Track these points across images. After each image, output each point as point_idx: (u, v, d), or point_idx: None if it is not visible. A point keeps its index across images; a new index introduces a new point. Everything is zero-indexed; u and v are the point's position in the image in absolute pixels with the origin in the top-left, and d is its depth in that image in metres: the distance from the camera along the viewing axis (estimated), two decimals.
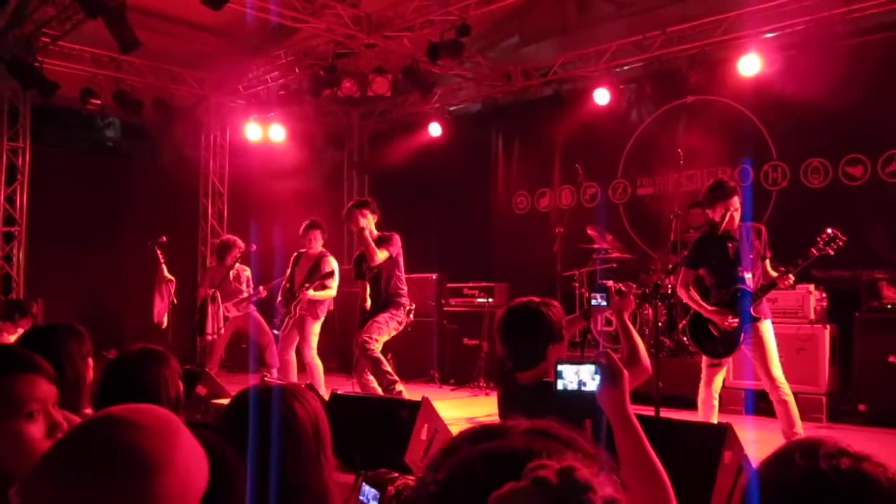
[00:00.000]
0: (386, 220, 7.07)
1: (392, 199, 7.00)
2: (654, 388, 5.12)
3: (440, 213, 11.22)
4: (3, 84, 9.63)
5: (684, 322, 5.79)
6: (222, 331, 8.14)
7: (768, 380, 4.94)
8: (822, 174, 8.25)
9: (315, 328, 7.37)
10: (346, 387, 6.75)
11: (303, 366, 7.45)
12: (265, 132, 11.55)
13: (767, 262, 5.15)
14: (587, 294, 8.92)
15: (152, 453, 1.09)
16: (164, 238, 8.68)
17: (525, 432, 0.85)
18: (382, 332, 6.41)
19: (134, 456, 1.08)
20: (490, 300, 9.60)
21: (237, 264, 8.33)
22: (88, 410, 2.55)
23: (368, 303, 6.60)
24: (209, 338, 8.11)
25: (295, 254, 7.64)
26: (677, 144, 8.53)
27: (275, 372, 7.73)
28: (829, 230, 4.91)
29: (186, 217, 11.61)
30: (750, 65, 8.35)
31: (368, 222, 6.66)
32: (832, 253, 4.92)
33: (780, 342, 5.25)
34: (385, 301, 6.58)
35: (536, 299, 3.07)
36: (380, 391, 6.25)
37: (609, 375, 1.90)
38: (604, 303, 3.30)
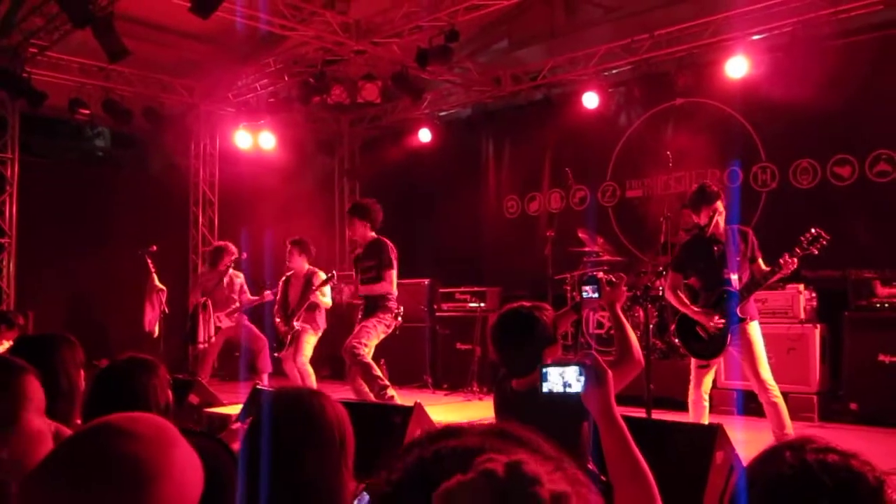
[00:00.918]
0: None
1: (383, 205, 6.98)
2: (645, 389, 5.14)
3: (431, 219, 11.24)
4: None
5: (674, 324, 5.82)
6: (213, 339, 8.13)
7: (757, 382, 4.96)
8: (811, 175, 8.30)
9: (311, 339, 7.41)
10: (339, 394, 6.75)
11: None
12: (255, 140, 11.54)
13: (760, 262, 5.16)
14: (577, 298, 8.95)
15: (148, 462, 1.09)
16: (155, 247, 8.66)
17: (481, 432, 0.85)
18: (371, 337, 6.41)
19: (130, 465, 1.08)
20: (482, 304, 9.61)
21: (230, 270, 8.33)
22: (79, 421, 2.54)
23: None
24: (201, 346, 8.10)
25: (284, 277, 7.68)
26: (666, 147, 8.56)
27: (266, 378, 7.73)
28: (812, 230, 4.94)
29: (177, 226, 11.58)
30: (738, 67, 8.40)
31: (363, 230, 6.69)
32: (816, 252, 4.93)
33: (771, 342, 5.28)
34: (373, 305, 6.60)
35: (527, 304, 3.01)
36: (372, 397, 6.25)
37: (594, 376, 1.90)
38: (595, 294, 3.25)
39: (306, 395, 1.81)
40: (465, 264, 10.90)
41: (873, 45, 7.86)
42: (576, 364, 1.92)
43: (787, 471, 1.14)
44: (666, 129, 9.42)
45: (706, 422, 4.99)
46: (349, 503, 1.75)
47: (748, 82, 8.44)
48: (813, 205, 8.09)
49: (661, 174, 8.99)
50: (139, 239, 9.04)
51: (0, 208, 10.00)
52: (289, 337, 7.31)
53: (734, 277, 5.08)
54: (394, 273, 6.55)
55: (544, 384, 1.92)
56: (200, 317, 8.06)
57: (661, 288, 7.68)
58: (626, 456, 1.80)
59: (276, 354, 7.48)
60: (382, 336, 6.56)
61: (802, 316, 7.06)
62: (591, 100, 9.64)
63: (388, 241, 6.68)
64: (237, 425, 3.18)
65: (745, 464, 1.27)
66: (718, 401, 6.48)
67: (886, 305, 6.79)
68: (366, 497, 2.22)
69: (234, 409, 6.17)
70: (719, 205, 5.11)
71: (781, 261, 4.87)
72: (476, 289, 9.78)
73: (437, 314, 9.84)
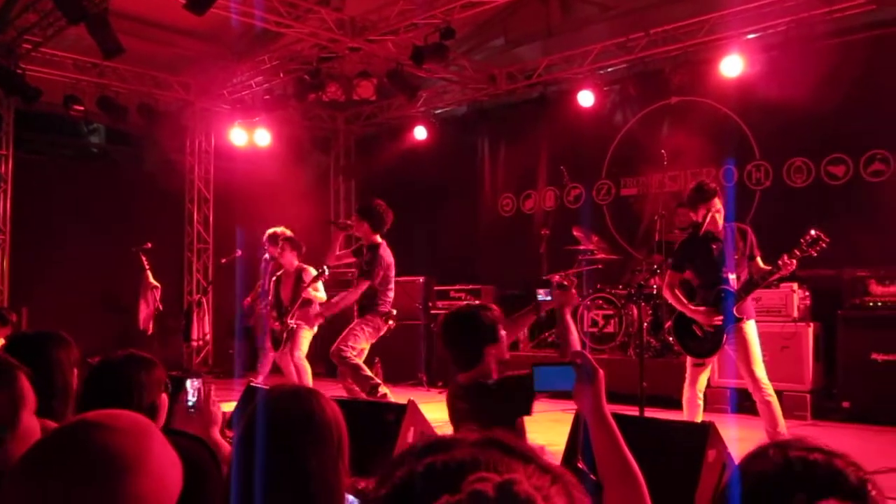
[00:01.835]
0: None
1: None
2: (639, 387, 5.16)
3: (426, 217, 11.23)
4: None
5: (670, 322, 5.82)
6: (208, 336, 8.11)
7: (751, 380, 4.97)
8: (805, 174, 8.32)
9: (307, 335, 7.39)
10: (333, 391, 6.75)
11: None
12: (250, 137, 11.53)
13: (759, 260, 5.17)
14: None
15: (126, 454, 1.11)
16: (150, 244, 8.65)
17: (473, 444, 0.82)
18: (359, 340, 6.37)
19: (108, 457, 1.10)
20: (477, 302, 9.62)
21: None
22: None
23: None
24: (194, 344, 8.09)
25: (274, 278, 7.65)
26: (661, 145, 8.58)
27: (261, 378, 7.72)
28: (812, 232, 4.94)
29: (172, 223, 11.56)
30: (732, 66, 8.41)
31: (367, 232, 6.62)
32: (815, 254, 4.95)
33: (765, 340, 5.28)
34: (362, 307, 6.59)
35: (475, 303, 3.22)
36: (364, 396, 6.24)
37: (585, 375, 1.91)
38: (548, 297, 3.38)
39: (303, 395, 1.80)
40: (460, 262, 10.91)
41: (867, 44, 7.88)
42: (568, 363, 1.94)
43: (770, 468, 1.15)
44: (661, 128, 9.43)
45: (700, 420, 5.00)
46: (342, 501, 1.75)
47: (743, 81, 8.45)
48: (807, 204, 8.12)
49: (656, 172, 9.00)
50: (134, 236, 9.02)
51: None
52: (284, 335, 7.31)
53: (732, 277, 5.09)
54: (366, 285, 6.47)
55: (536, 383, 1.93)
56: (194, 314, 8.05)
57: (655, 286, 7.70)
58: (616, 455, 1.80)
59: (272, 353, 7.47)
60: (372, 338, 6.53)
61: (796, 314, 7.08)
62: (586, 98, 9.65)
63: (385, 251, 6.56)
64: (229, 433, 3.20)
65: (737, 462, 1.29)
66: (712, 399, 6.50)
67: (880, 304, 6.82)
68: (352, 498, 2.22)
69: (229, 407, 6.17)
70: (717, 202, 5.12)
71: (780, 262, 4.89)
72: (471, 287, 9.79)
73: (432, 312, 9.85)
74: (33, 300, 9.52)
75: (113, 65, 9.60)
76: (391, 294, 6.59)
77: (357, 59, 9.87)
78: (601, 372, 1.93)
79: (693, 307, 5.18)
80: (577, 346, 3.12)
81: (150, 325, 8.63)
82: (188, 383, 2.43)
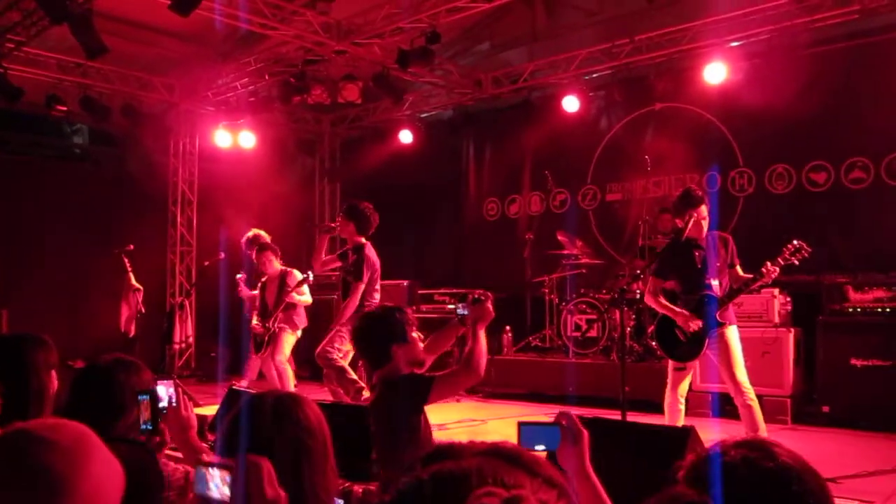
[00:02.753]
0: None
1: None
2: (621, 392, 5.18)
3: (411, 220, 11.23)
4: None
5: (653, 327, 5.85)
6: (190, 339, 8.06)
7: (733, 385, 5.01)
8: (787, 180, 8.41)
9: (289, 338, 7.35)
10: (319, 395, 6.72)
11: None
12: (235, 139, 11.48)
13: (738, 268, 5.22)
14: (556, 300, 9.01)
15: (61, 473, 1.11)
16: (132, 246, 8.58)
17: (479, 454, 0.82)
18: (344, 341, 6.35)
19: (44, 475, 1.10)
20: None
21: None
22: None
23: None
24: (176, 346, 8.02)
25: (259, 283, 7.62)
26: (645, 151, 8.63)
27: (245, 382, 7.68)
28: (795, 241, 4.99)
29: (155, 224, 11.49)
30: (716, 73, 8.49)
31: (352, 233, 6.59)
32: (797, 263, 5.01)
33: (746, 345, 5.32)
34: None
35: (388, 305, 3.56)
36: (348, 399, 6.22)
37: (570, 436, 1.95)
38: (465, 312, 3.47)
39: (286, 400, 1.79)
40: (445, 266, 10.92)
41: (847, 53, 7.97)
42: (553, 424, 1.98)
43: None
44: (645, 134, 9.49)
45: (681, 424, 5.03)
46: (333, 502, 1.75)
47: (726, 88, 8.53)
48: (788, 210, 8.19)
49: (641, 178, 9.06)
50: (116, 237, 8.95)
51: None
52: (266, 338, 7.28)
53: (714, 283, 5.12)
54: (361, 287, 6.44)
55: (521, 440, 1.95)
56: (177, 317, 7.99)
57: (638, 291, 7.74)
58: None
59: (254, 356, 7.43)
60: None
61: (777, 320, 7.14)
62: (571, 103, 9.69)
63: (370, 251, 6.53)
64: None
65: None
66: (694, 403, 6.54)
67: (859, 310, 6.88)
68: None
69: (211, 410, 6.15)
70: (703, 209, 5.14)
71: (763, 269, 4.93)
72: (455, 291, 9.79)
73: (416, 315, 9.82)
74: (13, 302, 9.43)
75: (97, 65, 9.53)
76: (377, 295, 6.57)
77: (343, 62, 9.86)
78: (585, 434, 1.96)
79: (676, 309, 5.20)
80: (482, 357, 3.23)
81: (132, 328, 8.56)
82: (160, 387, 2.40)
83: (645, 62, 9.16)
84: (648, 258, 6.85)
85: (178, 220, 11.74)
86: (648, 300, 5.45)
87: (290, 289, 7.24)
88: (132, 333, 8.55)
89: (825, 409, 6.83)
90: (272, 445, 1.65)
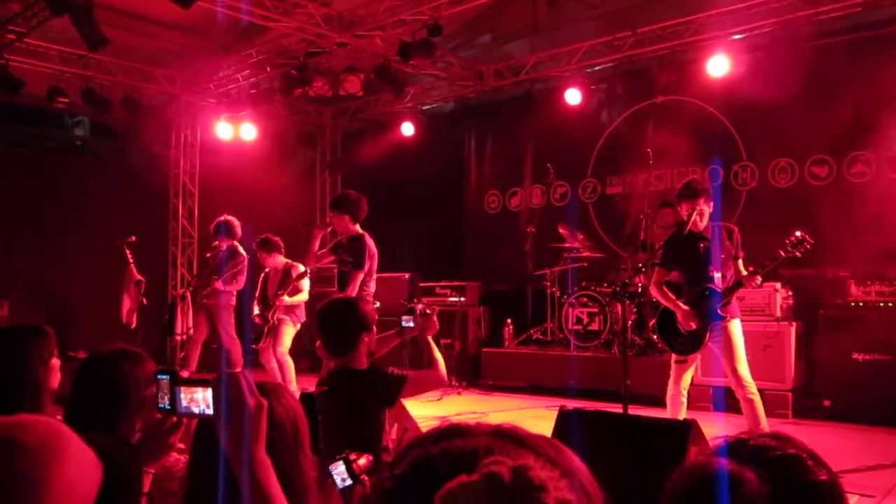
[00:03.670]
0: None
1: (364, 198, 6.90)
2: (623, 385, 5.18)
3: (413, 213, 11.23)
4: None
5: (655, 320, 5.85)
6: (191, 331, 8.08)
7: (735, 378, 5.01)
8: (789, 174, 8.39)
9: (289, 330, 7.37)
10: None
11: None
12: (236, 131, 11.47)
13: (740, 261, 5.21)
14: (557, 293, 9.01)
15: (27, 475, 1.09)
16: (134, 238, 8.57)
17: (489, 433, 0.84)
18: None
19: (9, 478, 1.08)
20: (462, 299, 9.64)
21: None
22: (50, 410, 2.51)
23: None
24: (178, 338, 8.04)
25: (262, 275, 7.64)
26: (647, 144, 8.61)
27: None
28: (797, 233, 4.98)
29: (156, 216, 11.48)
30: (718, 66, 8.46)
31: (346, 223, 6.53)
32: (799, 256, 5.00)
33: (747, 339, 5.32)
34: None
35: (353, 296, 3.61)
36: None
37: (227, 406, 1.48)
38: (411, 324, 3.58)
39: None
40: (446, 259, 10.91)
41: (850, 46, 7.94)
42: (211, 382, 1.58)
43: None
44: (647, 127, 9.47)
45: (683, 418, 5.03)
46: (313, 486, 1.76)
47: (729, 81, 8.50)
48: (790, 204, 8.17)
49: (642, 171, 9.04)
50: (118, 229, 8.94)
51: None
52: (266, 328, 7.29)
53: (717, 275, 5.12)
54: (360, 275, 6.34)
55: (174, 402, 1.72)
56: (178, 308, 8.00)
57: (639, 284, 7.74)
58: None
59: (253, 346, 7.45)
60: None
61: (778, 314, 7.14)
62: (573, 96, 9.67)
63: (369, 240, 6.42)
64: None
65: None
66: (696, 397, 6.54)
67: (860, 304, 6.88)
68: (340, 465, 2.24)
69: None
70: (702, 202, 5.13)
71: (746, 278, 4.99)
72: (456, 283, 9.80)
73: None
74: (15, 294, 9.43)
75: (98, 57, 9.51)
76: (373, 285, 6.46)
77: (344, 54, 9.83)
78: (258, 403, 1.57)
79: (678, 303, 5.20)
80: (441, 366, 3.37)
81: (134, 319, 8.57)
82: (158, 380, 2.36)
83: (647, 55, 9.13)
84: (650, 252, 6.84)
85: (180, 211, 11.73)
86: (653, 290, 5.45)
87: (293, 279, 7.25)
88: (134, 324, 8.57)
89: (826, 403, 6.84)
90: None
